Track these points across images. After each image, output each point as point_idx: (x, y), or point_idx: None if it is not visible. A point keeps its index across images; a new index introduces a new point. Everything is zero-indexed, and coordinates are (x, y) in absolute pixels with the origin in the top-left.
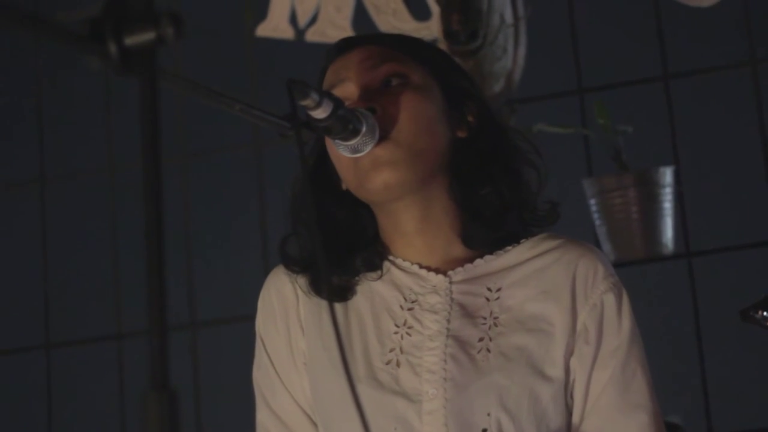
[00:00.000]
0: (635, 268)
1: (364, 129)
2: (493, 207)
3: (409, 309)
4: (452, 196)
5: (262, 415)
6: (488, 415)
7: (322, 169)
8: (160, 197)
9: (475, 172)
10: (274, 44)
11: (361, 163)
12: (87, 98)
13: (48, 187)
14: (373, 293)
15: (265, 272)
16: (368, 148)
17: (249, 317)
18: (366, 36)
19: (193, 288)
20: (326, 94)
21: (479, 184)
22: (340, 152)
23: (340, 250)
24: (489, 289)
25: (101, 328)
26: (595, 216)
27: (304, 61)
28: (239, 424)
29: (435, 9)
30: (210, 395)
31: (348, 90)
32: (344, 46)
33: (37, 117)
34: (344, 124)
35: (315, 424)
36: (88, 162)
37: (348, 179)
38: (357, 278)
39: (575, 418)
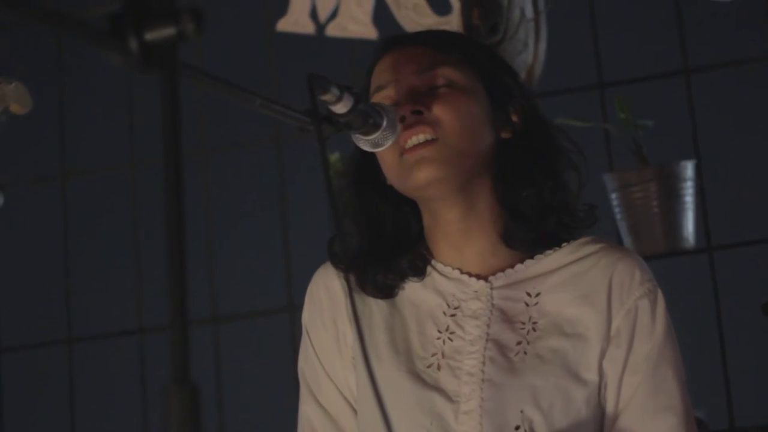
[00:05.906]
0: (656, 263)
1: (384, 124)
2: (534, 209)
3: (452, 315)
4: (495, 196)
5: (306, 406)
6: (521, 411)
7: (368, 165)
8: (181, 192)
9: (517, 173)
10: (294, 39)
11: (406, 160)
12: (108, 94)
13: (70, 182)
14: (418, 299)
15: (286, 266)
16: (389, 143)
17: (270, 312)
18: (415, 35)
19: (215, 282)
20: (346, 89)
21: (521, 186)
22: (361, 146)
23: (386, 250)
24: (528, 294)
25: (123, 323)
26: (616, 210)
27: (324, 56)
28: (260, 418)
29: (455, 3)
30: (231, 389)
31: (398, 92)
32: (394, 42)
33: (59, 113)
34: (365, 118)
35: None
36: (109, 157)
37: (392, 176)
38: (403, 281)
39: (607, 421)
